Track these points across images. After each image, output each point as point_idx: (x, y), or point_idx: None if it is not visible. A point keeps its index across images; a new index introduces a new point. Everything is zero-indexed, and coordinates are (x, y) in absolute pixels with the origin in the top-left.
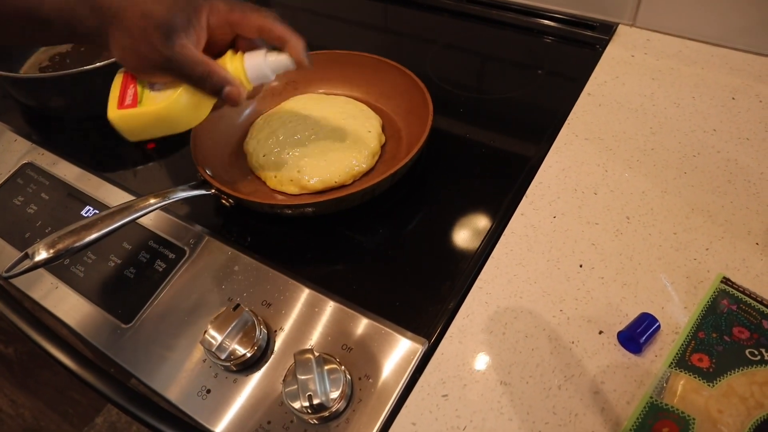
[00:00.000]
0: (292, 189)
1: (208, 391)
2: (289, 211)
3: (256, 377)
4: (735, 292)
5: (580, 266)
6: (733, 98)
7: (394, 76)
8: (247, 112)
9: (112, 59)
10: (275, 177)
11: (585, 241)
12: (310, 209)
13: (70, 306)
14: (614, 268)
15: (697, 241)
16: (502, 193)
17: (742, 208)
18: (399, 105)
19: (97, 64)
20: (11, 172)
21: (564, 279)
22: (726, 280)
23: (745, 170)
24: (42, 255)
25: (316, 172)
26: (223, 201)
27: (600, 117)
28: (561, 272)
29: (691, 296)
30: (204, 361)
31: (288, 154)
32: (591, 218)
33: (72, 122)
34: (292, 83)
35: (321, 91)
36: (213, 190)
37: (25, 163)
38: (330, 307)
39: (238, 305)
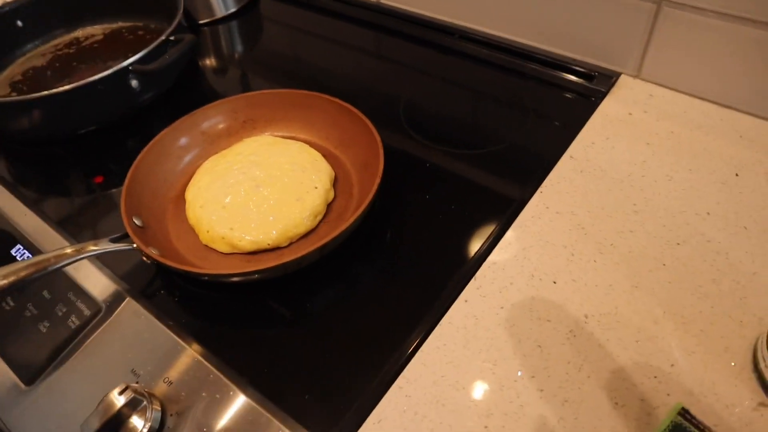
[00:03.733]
0: (223, 247)
1: None
2: (206, 279)
3: None
4: (693, 430)
5: (519, 374)
6: (737, 174)
7: (353, 124)
8: (195, 153)
9: (81, 83)
10: (208, 232)
11: (531, 341)
12: (226, 279)
13: None
14: (558, 379)
15: (662, 354)
16: (447, 272)
17: (724, 316)
18: (356, 156)
19: (60, 89)
20: None
21: (497, 387)
22: (684, 413)
23: (736, 268)
24: None
25: (250, 231)
26: (144, 258)
27: (579, 186)
28: (495, 378)
29: (640, 425)
30: None
31: (224, 207)
32: (543, 313)
33: (25, 146)
34: (250, 122)
35: (279, 133)
36: (134, 245)
37: None
38: (234, 398)
39: (126, 387)
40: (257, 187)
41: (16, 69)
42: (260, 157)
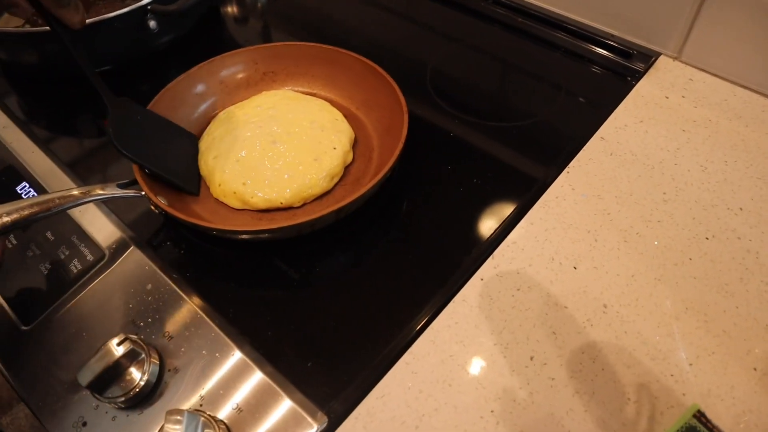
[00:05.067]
0: (234, 202)
1: (84, 424)
2: (215, 234)
3: (136, 418)
4: None
5: (531, 359)
6: None
7: (379, 86)
8: (211, 101)
9: (98, 18)
10: (219, 186)
11: (545, 327)
12: (235, 236)
13: None
14: (570, 368)
15: (682, 352)
16: (464, 248)
17: (749, 318)
18: (379, 119)
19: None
20: None
21: (507, 371)
22: (700, 416)
23: (766, 268)
24: None
25: (263, 188)
26: (152, 208)
27: (607, 169)
28: (506, 362)
29: (652, 424)
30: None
31: (238, 161)
32: (561, 299)
33: (37, 83)
34: (270, 74)
35: (300, 88)
36: (143, 193)
37: None
38: (234, 358)
39: (126, 338)
40: (273, 143)
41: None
42: (279, 111)
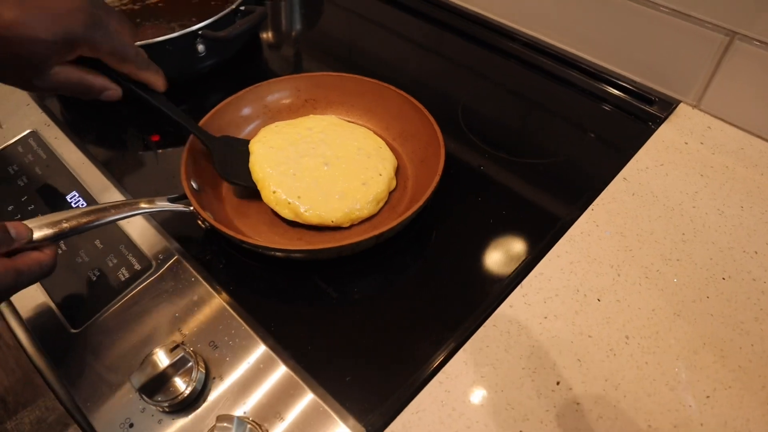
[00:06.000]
0: (287, 213)
1: (131, 425)
2: (264, 251)
3: (181, 423)
4: None
5: (557, 383)
6: None
7: (416, 119)
8: (256, 124)
9: (152, 41)
10: (274, 194)
11: (571, 354)
12: (280, 254)
13: (25, 293)
14: (595, 394)
15: (699, 384)
16: (494, 276)
17: (764, 355)
18: (414, 150)
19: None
20: (16, 139)
21: (535, 394)
22: None
23: None
24: (43, 232)
25: (316, 205)
26: (199, 222)
27: (629, 208)
28: (534, 386)
29: None
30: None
31: (294, 175)
32: (585, 329)
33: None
34: (312, 101)
35: (341, 116)
36: (191, 208)
37: (31, 131)
38: (277, 369)
39: (177, 346)
40: (325, 165)
41: None
42: (328, 136)
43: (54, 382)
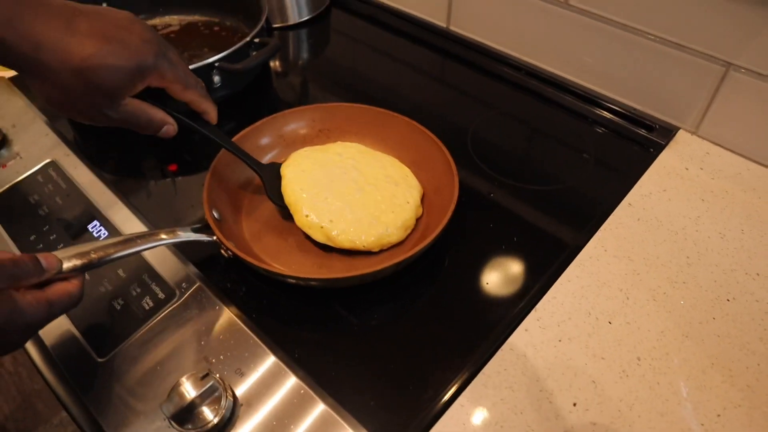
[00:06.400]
0: (319, 236)
1: None
2: (293, 281)
3: None
4: None
5: (574, 405)
6: None
7: (428, 148)
8: (273, 154)
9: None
10: (307, 217)
11: (586, 376)
12: (304, 283)
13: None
14: (610, 415)
15: (710, 404)
16: (509, 301)
17: None
18: (427, 179)
19: None
20: (36, 169)
21: (552, 416)
22: None
23: None
24: (72, 263)
25: (349, 229)
26: (222, 251)
27: (636, 233)
28: (551, 407)
29: None
30: (164, 419)
31: (326, 199)
32: (598, 351)
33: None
34: (325, 131)
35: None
36: (214, 237)
37: (50, 161)
38: (303, 395)
39: (207, 374)
40: (357, 191)
41: None
42: (358, 162)
43: (74, 408)
